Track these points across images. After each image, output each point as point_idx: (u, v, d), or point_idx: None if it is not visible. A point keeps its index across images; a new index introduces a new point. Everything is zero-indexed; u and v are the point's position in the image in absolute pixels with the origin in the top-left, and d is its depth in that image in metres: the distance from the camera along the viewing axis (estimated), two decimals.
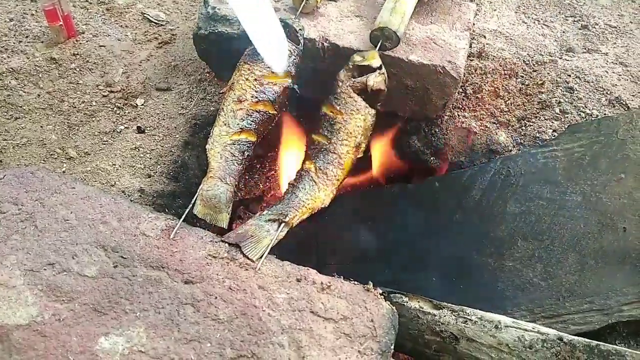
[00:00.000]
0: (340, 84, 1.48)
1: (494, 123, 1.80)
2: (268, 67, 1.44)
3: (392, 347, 1.10)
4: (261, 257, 1.18)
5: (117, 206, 1.22)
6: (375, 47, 1.56)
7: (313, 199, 1.33)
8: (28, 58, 1.92)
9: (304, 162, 1.43)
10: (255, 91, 1.42)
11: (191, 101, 1.88)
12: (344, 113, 1.43)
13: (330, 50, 1.63)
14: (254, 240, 1.21)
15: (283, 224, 1.26)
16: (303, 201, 1.32)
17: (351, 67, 1.51)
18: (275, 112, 1.45)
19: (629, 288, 1.41)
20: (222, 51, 1.72)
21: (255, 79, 1.43)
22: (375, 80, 1.47)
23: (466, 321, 1.23)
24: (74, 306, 1.06)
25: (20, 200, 1.21)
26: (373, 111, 1.46)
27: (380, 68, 1.49)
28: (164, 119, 1.83)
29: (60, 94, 1.85)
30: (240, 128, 1.39)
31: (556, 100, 1.80)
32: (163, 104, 1.87)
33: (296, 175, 1.41)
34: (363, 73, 1.48)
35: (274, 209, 1.30)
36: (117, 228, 1.18)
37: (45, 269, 1.10)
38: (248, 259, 1.17)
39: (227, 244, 1.19)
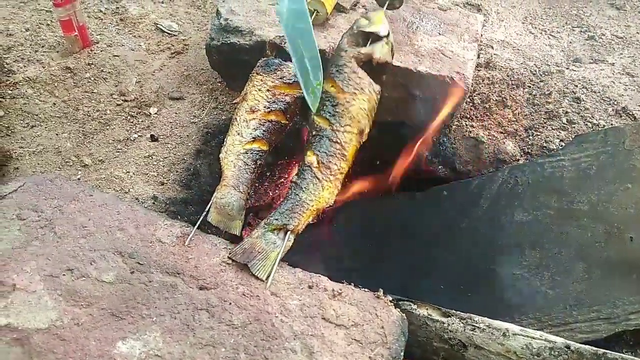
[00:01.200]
0: (343, 54, 1.36)
1: (502, 133, 1.82)
2: (280, 78, 1.47)
3: (402, 353, 1.12)
4: (269, 276, 1.17)
5: (134, 213, 1.25)
6: (382, 6, 1.51)
7: (317, 200, 1.27)
8: (44, 67, 1.96)
9: (305, 151, 1.34)
10: (268, 101, 1.45)
11: (203, 110, 1.91)
12: (346, 92, 1.33)
13: None
14: (261, 256, 1.19)
15: (289, 233, 1.24)
16: (307, 203, 1.26)
17: (355, 32, 1.38)
18: (286, 121, 1.48)
19: (636, 297, 1.42)
20: (233, 61, 1.75)
21: (268, 90, 1.46)
22: (382, 52, 1.33)
23: (474, 329, 1.24)
24: (93, 311, 1.09)
25: (40, 207, 1.24)
26: (378, 87, 1.36)
27: (387, 36, 1.36)
28: (176, 128, 1.86)
29: (75, 103, 1.89)
30: (253, 137, 1.42)
31: (563, 110, 1.82)
32: (176, 113, 1.90)
33: (298, 169, 1.33)
34: (368, 40, 1.37)
35: (278, 214, 1.26)
36: (134, 235, 1.21)
37: (64, 275, 1.13)
38: (257, 278, 1.17)
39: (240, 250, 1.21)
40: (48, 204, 1.25)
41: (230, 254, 1.20)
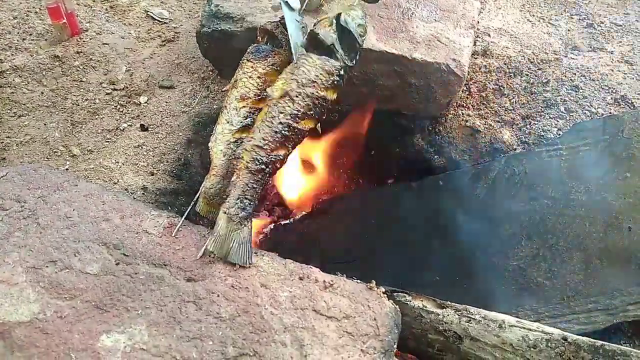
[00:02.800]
0: None
1: (499, 121, 1.79)
2: (272, 65, 1.43)
3: (395, 345, 1.09)
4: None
5: (120, 203, 1.22)
6: None
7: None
8: (32, 56, 1.92)
9: None
10: (259, 89, 1.41)
11: (194, 99, 1.87)
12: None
13: None
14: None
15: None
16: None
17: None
18: None
19: (634, 288, 1.40)
20: (225, 49, 1.71)
21: (259, 77, 1.42)
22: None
23: (470, 320, 1.22)
24: (76, 303, 1.05)
25: (23, 198, 1.21)
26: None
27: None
28: (167, 117, 1.82)
29: (64, 92, 1.85)
30: (243, 126, 1.37)
31: (561, 98, 1.79)
32: (166, 102, 1.86)
33: None
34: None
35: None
36: (120, 225, 1.18)
37: (47, 266, 1.10)
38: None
39: None
40: (31, 194, 1.21)
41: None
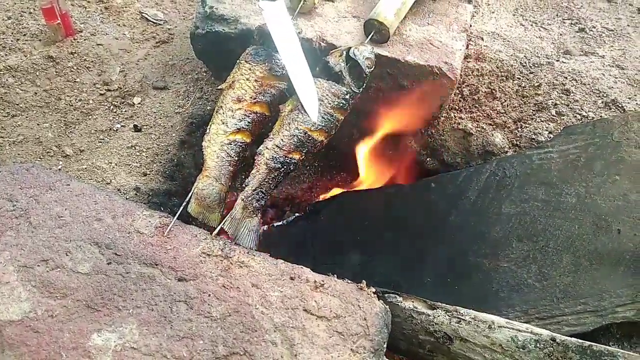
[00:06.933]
0: None
1: (490, 124, 1.80)
2: (269, 70, 1.44)
3: (385, 345, 1.10)
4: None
5: (112, 203, 1.22)
6: (367, 36, 1.58)
7: None
8: (26, 56, 1.92)
9: None
10: (255, 92, 1.41)
11: (188, 100, 1.88)
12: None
13: (327, 50, 1.63)
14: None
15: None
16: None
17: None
18: (269, 114, 1.45)
19: (623, 290, 1.41)
20: (219, 50, 1.72)
21: (256, 80, 1.42)
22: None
23: (460, 321, 1.23)
24: (67, 302, 1.06)
25: (15, 197, 1.21)
26: None
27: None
28: (160, 118, 1.83)
29: (58, 92, 1.85)
30: (238, 128, 1.38)
31: (552, 102, 1.81)
32: (160, 103, 1.87)
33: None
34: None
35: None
36: (111, 225, 1.18)
37: (38, 265, 1.10)
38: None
39: (221, 242, 1.19)
40: (24, 193, 1.22)
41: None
